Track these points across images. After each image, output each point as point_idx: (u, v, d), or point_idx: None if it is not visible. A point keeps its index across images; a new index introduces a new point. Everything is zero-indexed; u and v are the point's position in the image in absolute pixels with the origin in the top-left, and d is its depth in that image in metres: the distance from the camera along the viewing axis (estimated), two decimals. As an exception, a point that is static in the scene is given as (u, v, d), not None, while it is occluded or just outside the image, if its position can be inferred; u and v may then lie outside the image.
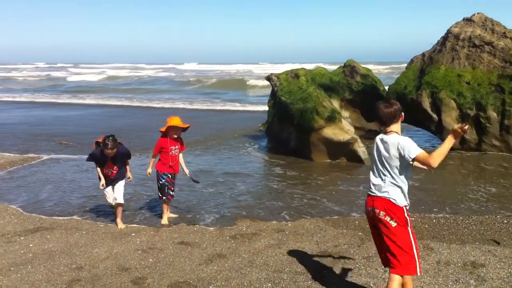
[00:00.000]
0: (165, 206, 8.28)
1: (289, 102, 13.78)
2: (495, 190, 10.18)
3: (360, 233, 7.56)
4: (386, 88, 16.96)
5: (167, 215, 8.32)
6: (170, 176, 8.22)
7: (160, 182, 8.18)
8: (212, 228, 7.94)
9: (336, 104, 16.40)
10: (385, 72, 61.80)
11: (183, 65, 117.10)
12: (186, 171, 8.43)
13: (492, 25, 15.17)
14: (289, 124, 13.72)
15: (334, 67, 18.70)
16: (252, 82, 47.42)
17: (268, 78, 15.96)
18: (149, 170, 8.41)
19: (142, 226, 8.13)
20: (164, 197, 8.20)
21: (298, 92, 13.98)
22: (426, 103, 14.60)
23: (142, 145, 15.47)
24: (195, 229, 7.90)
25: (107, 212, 8.85)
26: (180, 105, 31.10)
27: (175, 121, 8.04)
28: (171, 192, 8.25)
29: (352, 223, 8.13)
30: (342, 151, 12.99)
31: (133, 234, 7.63)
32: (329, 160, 13.12)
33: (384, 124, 4.63)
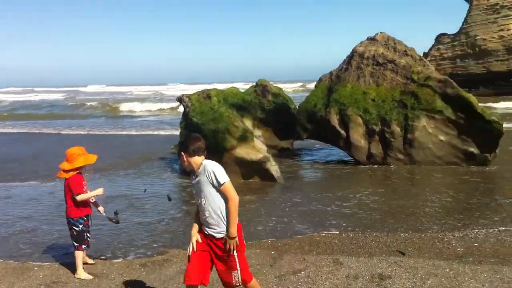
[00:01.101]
0: (81, 256, 6.79)
1: (201, 123, 13.69)
2: (401, 202, 10.55)
3: (272, 252, 7.53)
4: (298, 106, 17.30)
5: (82, 265, 6.80)
6: (86, 218, 6.82)
7: (77, 229, 6.72)
8: (121, 257, 7.63)
9: (248, 123, 16.49)
10: (300, 90, 63.35)
11: (86, 88, 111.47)
12: (101, 209, 7.08)
13: (394, 43, 15.92)
14: (201, 145, 13.56)
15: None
16: (162, 105, 46.72)
17: (180, 99, 15.80)
18: (100, 191, 6.91)
19: (45, 258, 7.66)
20: (83, 246, 6.79)
21: (210, 113, 13.93)
22: (335, 120, 15.01)
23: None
24: (103, 258, 7.55)
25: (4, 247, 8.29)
26: (84, 130, 29.51)
27: (91, 158, 6.84)
28: (89, 237, 6.92)
29: (265, 243, 8.10)
30: (255, 170, 13.02)
31: (35, 268, 7.16)
32: (243, 180, 13.09)
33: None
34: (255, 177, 13.13)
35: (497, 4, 50.45)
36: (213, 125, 13.25)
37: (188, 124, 14.77)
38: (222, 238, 4.62)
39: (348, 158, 15.55)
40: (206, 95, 15.31)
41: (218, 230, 4.64)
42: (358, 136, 14.66)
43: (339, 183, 12.65)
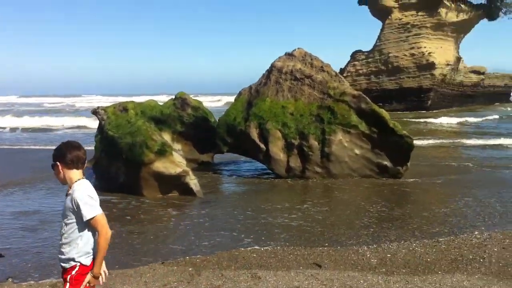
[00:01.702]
0: None
1: (117, 137, 13.31)
2: (318, 215, 10.72)
3: (190, 269, 7.39)
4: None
5: None
6: None
7: None
8: (27, 280, 7.20)
9: (167, 137, 16.26)
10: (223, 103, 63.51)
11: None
12: None
13: (311, 59, 16.29)
14: (118, 160, 13.18)
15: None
16: (75, 119, 45.16)
17: (95, 111, 15.30)
18: None
19: None
20: None
21: (127, 126, 13.58)
22: (254, 134, 15.10)
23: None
24: (5, 284, 7.09)
25: None
26: None
27: None
28: None
29: (182, 259, 7.93)
30: (174, 184, 12.80)
31: None
32: (161, 195, 12.81)
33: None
34: (174, 192, 12.90)
35: (408, 23, 53.15)
36: (130, 138, 12.90)
37: (103, 137, 14.31)
38: (68, 269, 4.02)
39: (268, 172, 15.66)
40: (123, 107, 14.95)
41: (68, 262, 4.02)
42: (277, 150, 14.81)
43: (259, 197, 12.69)
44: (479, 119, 37.12)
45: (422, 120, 37.78)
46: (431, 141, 23.99)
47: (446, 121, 35.88)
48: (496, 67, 78.50)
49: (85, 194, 3.96)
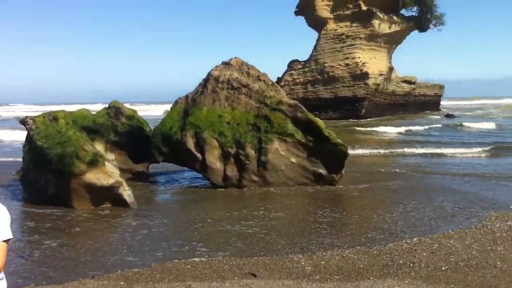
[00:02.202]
0: None
1: (46, 147, 12.81)
2: (254, 224, 10.69)
3: (122, 283, 7.18)
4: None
5: None
6: None
7: None
8: None
9: (100, 147, 15.85)
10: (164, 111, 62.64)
11: None
12: None
13: (248, 69, 16.34)
14: (47, 171, 12.67)
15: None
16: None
17: (23, 121, 14.70)
18: None
19: None
20: None
21: (57, 136, 13.10)
22: (191, 143, 14.95)
23: None
24: None
25: None
26: None
27: None
28: None
29: (114, 274, 7.68)
30: (106, 195, 12.44)
31: None
32: (93, 207, 12.41)
33: None
34: (107, 203, 12.54)
35: (343, 34, 54.49)
36: (60, 149, 12.44)
37: (32, 148, 13.75)
38: None
39: (205, 181, 15.53)
40: (53, 117, 14.43)
41: None
42: (213, 159, 14.72)
43: (195, 207, 12.53)
44: (420, 128, 38.16)
45: (364, 129, 38.67)
46: (369, 150, 24.58)
47: (389, 130, 36.60)
48: (427, 77, 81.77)
49: None
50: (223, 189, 14.58)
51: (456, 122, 42.57)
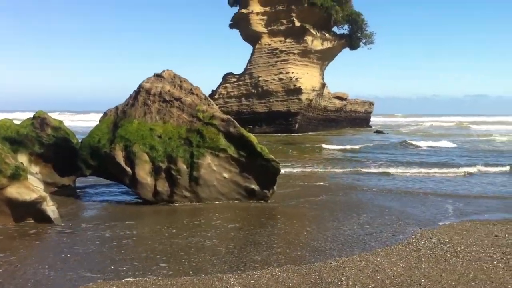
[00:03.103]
0: None
1: (-37, 159, 12.02)
2: (183, 241, 10.45)
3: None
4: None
5: None
6: None
7: None
8: None
9: (24, 159, 15.13)
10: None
11: None
12: None
13: (180, 81, 16.10)
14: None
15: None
16: None
17: None
18: None
19: None
20: None
21: (-25, 147, 12.32)
22: (120, 157, 14.51)
23: None
24: None
25: None
26: None
27: None
28: None
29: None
30: (29, 211, 11.82)
31: None
32: (14, 223, 11.74)
33: None
34: (29, 219, 11.91)
35: (277, 49, 55.24)
36: (-22, 162, 11.71)
37: None
38: None
39: (135, 196, 15.11)
40: (-28, 127, 13.61)
41: None
42: (144, 174, 14.34)
43: (123, 223, 12.10)
44: (357, 146, 37.16)
45: (302, 145, 38.98)
46: (303, 166, 24.82)
47: (328, 147, 36.13)
48: (357, 94, 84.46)
49: None
50: (153, 205, 14.22)
51: (396, 141, 43.35)
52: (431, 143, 39.90)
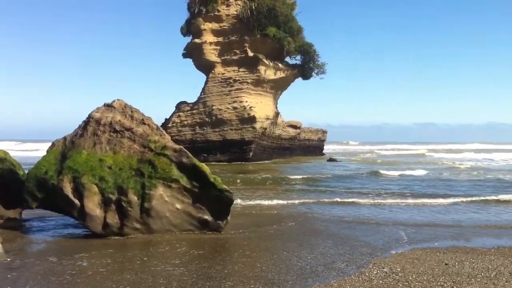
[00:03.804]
0: None
1: None
2: (132, 277, 10.11)
3: None
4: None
5: None
6: None
7: None
8: None
9: (-35, 192, 14.45)
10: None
11: None
12: None
13: (132, 111, 15.85)
14: None
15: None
16: None
17: None
18: None
19: None
20: None
21: None
22: (68, 189, 14.05)
23: None
24: None
25: None
26: None
27: None
28: None
29: None
30: (-31, 247, 11.24)
31: None
32: (-47, 260, 11.14)
33: None
34: (-30, 256, 11.31)
35: (230, 78, 55.60)
36: None
37: None
38: None
39: (84, 229, 14.62)
40: None
41: None
42: (93, 206, 13.91)
43: (71, 258, 11.62)
44: (311, 175, 35.92)
45: (258, 174, 38.88)
46: (260, 196, 24.75)
47: (290, 176, 34.90)
48: (311, 122, 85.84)
49: None
50: (103, 238, 13.78)
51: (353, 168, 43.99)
52: (393, 172, 40.02)
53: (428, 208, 20.69)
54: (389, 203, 22.30)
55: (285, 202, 22.17)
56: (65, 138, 15.54)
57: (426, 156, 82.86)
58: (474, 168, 47.70)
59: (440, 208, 20.68)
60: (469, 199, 23.49)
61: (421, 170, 41.90)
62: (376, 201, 22.67)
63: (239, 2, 55.36)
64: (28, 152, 65.23)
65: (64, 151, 15.11)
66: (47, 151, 15.49)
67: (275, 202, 22.01)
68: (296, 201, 22.41)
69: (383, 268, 10.67)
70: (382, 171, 40.21)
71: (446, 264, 11.04)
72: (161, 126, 56.23)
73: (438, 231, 15.56)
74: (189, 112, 55.79)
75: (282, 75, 59.14)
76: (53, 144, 15.63)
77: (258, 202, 21.88)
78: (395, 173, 39.72)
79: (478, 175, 39.45)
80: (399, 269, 10.55)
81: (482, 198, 23.75)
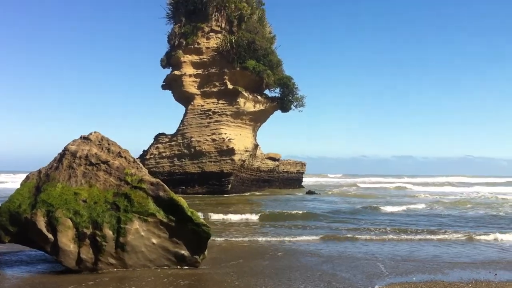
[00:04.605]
0: None
1: None
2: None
3: None
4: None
5: None
6: None
7: None
8: None
9: None
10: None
11: None
12: None
13: (108, 144, 15.70)
14: None
15: None
16: None
17: None
18: None
19: None
20: None
21: None
22: (42, 223, 13.74)
23: None
24: None
25: None
26: None
27: None
28: None
29: None
30: None
31: None
32: None
33: None
34: None
35: (209, 110, 55.76)
36: None
37: None
38: None
39: (57, 264, 14.25)
40: None
41: None
42: (66, 240, 13.60)
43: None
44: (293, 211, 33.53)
45: (237, 207, 38.57)
46: (239, 232, 24.49)
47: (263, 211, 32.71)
48: (290, 154, 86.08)
49: None
50: (77, 274, 13.44)
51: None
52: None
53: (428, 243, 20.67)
54: (392, 238, 22.26)
55: (267, 239, 21.95)
56: (39, 171, 15.28)
57: (407, 190, 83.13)
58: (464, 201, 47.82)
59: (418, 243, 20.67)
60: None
61: (421, 204, 41.43)
62: (356, 237, 22.59)
63: (219, 36, 55.89)
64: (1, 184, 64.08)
65: (39, 184, 14.84)
66: (21, 184, 15.18)
67: (255, 238, 21.79)
68: (278, 240, 22.23)
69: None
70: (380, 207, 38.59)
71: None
72: (139, 157, 56.04)
73: (414, 265, 15.53)
74: (167, 143, 55.55)
75: (262, 107, 59.43)
76: (27, 177, 15.34)
77: (237, 237, 21.66)
78: (395, 209, 37.82)
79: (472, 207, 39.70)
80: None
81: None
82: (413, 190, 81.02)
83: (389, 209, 37.62)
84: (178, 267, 14.25)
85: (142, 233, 14.00)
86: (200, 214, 16.83)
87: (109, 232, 13.75)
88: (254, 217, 29.35)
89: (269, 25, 62.04)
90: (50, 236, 13.73)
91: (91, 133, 15.85)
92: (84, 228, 13.72)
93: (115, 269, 13.80)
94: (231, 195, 52.32)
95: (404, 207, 39.26)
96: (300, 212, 33.09)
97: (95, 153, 15.12)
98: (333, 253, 17.73)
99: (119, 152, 15.49)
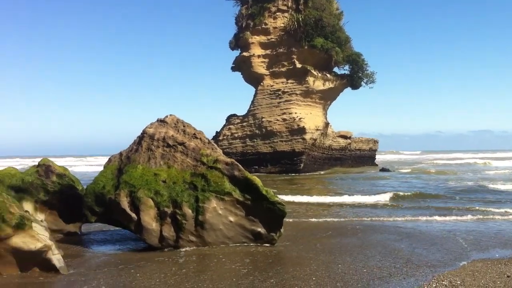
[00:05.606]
0: None
1: (-32, 210, 11.96)
2: (190, 289, 10.25)
3: None
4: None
5: None
6: None
7: None
8: None
9: (29, 206, 15.12)
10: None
11: None
12: None
13: (184, 126, 16.17)
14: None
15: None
16: None
17: None
18: None
19: None
20: None
21: (-20, 198, 12.27)
22: (125, 203, 14.42)
23: None
24: None
25: None
26: None
27: None
28: None
29: None
30: (34, 260, 11.68)
31: None
32: (20, 272, 11.61)
33: None
34: (35, 269, 11.76)
35: (279, 90, 55.77)
36: (-17, 212, 11.66)
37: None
38: None
39: (141, 242, 14.94)
40: (-23, 177, 13.62)
41: None
42: (149, 219, 14.22)
43: (128, 272, 11.89)
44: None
45: (310, 187, 38.57)
46: (313, 207, 24.61)
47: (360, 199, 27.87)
48: (362, 132, 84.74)
49: None
50: (159, 251, 14.04)
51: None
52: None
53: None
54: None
55: (343, 215, 21.92)
56: (120, 154, 15.99)
57: (494, 166, 76.39)
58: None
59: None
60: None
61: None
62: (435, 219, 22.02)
63: (286, 15, 55.63)
64: (83, 167, 67.37)
65: (120, 166, 15.54)
66: (104, 166, 15.96)
67: (332, 215, 21.82)
68: (357, 220, 22.12)
69: (443, 281, 10.37)
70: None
71: (508, 277, 10.65)
72: (212, 139, 57.08)
73: (495, 241, 15.02)
74: (239, 124, 56.27)
75: (331, 85, 58.84)
76: (110, 159, 16.10)
77: (312, 213, 21.75)
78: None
79: None
80: (459, 282, 10.24)
81: None
82: (499, 166, 74.44)
83: (501, 187, 34.08)
84: (256, 244, 14.55)
85: (220, 212, 14.38)
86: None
87: (188, 211, 14.23)
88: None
89: (336, 1, 61.04)
90: (133, 215, 14.38)
91: (166, 116, 16.36)
92: (165, 207, 14.27)
93: (195, 247, 14.28)
94: (304, 174, 52.35)
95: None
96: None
97: (172, 135, 15.61)
98: (413, 229, 17.45)
99: (194, 134, 15.91)
